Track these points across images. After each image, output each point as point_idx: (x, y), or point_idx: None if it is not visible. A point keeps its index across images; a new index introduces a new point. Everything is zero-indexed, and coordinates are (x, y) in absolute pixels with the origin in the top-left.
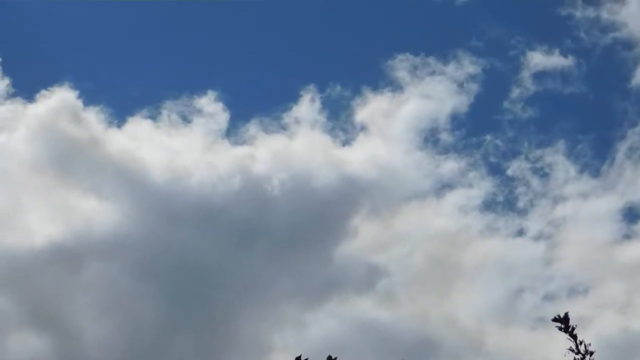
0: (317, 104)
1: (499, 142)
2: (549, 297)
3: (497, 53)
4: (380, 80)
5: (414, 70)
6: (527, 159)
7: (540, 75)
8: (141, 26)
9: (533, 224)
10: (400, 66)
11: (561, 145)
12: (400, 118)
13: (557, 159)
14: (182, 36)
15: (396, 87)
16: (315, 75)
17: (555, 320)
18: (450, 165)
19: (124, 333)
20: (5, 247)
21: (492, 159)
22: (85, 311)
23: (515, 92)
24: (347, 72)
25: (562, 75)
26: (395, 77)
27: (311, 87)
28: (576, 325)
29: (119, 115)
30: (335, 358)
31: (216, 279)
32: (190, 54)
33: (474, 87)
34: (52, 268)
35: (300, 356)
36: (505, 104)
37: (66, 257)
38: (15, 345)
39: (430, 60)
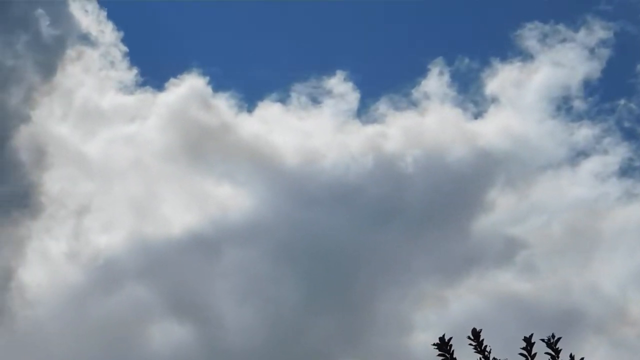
0: (446, 78)
1: (633, 105)
2: None
3: (627, 15)
4: (509, 50)
5: (543, 38)
6: None
7: None
8: (266, 8)
9: None
10: (530, 35)
11: None
12: (531, 87)
13: None
14: (308, 17)
15: (526, 56)
16: (442, 49)
17: None
18: (585, 133)
19: (265, 318)
20: (143, 237)
21: (627, 124)
22: (225, 298)
23: None
24: (474, 44)
25: None
26: (524, 46)
27: (439, 60)
28: None
29: (249, 99)
30: (480, 330)
31: (353, 259)
32: (316, 35)
33: (605, 52)
34: (190, 256)
35: (444, 335)
36: (639, 67)
37: (203, 245)
38: (159, 335)
39: (560, 27)
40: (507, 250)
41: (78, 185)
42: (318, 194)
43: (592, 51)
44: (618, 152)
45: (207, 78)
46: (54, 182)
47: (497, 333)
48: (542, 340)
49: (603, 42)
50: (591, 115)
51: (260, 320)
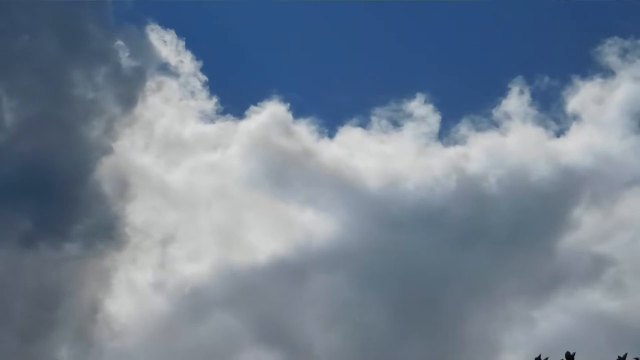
0: (527, 96)
1: None
2: None
3: None
4: (589, 67)
5: (624, 54)
6: None
7: None
8: (343, 35)
9: None
10: (610, 51)
11: None
12: (613, 103)
13: None
14: (385, 42)
15: (607, 72)
16: (522, 67)
17: None
18: None
19: (353, 342)
20: (229, 265)
21: None
22: (313, 323)
23: None
24: (554, 62)
25: None
26: (605, 62)
27: (519, 79)
28: None
29: (330, 125)
30: (574, 354)
31: (439, 281)
32: (395, 59)
33: None
34: (276, 283)
35: (539, 355)
36: None
37: (289, 271)
38: None
39: None
40: (594, 268)
41: (162, 215)
42: (402, 217)
43: None
44: None
45: (288, 105)
46: (138, 213)
47: (587, 353)
48: (637, 359)
49: None
50: None
51: (348, 344)
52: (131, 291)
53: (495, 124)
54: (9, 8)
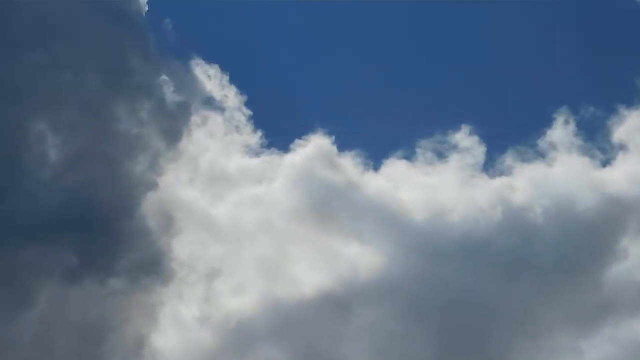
0: (572, 127)
1: None
2: None
3: None
4: (635, 96)
5: None
6: None
7: None
8: (386, 66)
9: None
10: None
11: None
12: None
13: None
14: (429, 73)
15: None
16: (566, 97)
17: None
18: None
19: None
20: (274, 299)
21: None
22: (359, 356)
23: None
24: (599, 91)
25: None
26: None
27: (564, 109)
28: None
29: (374, 158)
30: None
31: (486, 312)
32: (439, 90)
33: None
34: (322, 316)
35: None
36: None
37: (335, 304)
38: None
39: None
40: None
41: (208, 249)
42: (447, 249)
43: None
44: None
45: (333, 138)
46: (183, 247)
47: None
48: None
49: None
50: None
51: None
52: (177, 326)
53: (540, 155)
54: (51, 44)
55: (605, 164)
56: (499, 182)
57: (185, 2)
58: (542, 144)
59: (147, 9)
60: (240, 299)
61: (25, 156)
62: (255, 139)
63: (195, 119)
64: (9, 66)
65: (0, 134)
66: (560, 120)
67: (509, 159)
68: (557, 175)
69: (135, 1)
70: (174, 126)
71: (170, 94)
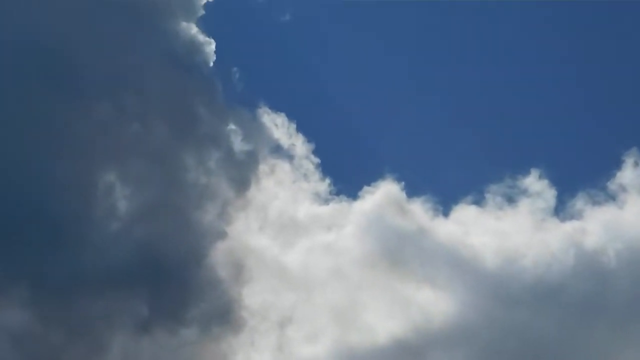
0: None
1: None
2: None
3: None
4: None
5: None
6: None
7: None
8: (452, 111)
9: None
10: None
11: None
12: None
13: None
14: (496, 117)
15: None
16: (635, 139)
17: None
18: None
19: None
20: (347, 346)
21: None
22: None
23: None
24: None
25: None
26: None
27: (633, 151)
28: None
29: (444, 203)
30: None
31: (560, 357)
32: (507, 135)
33: None
34: None
35: None
36: None
37: (408, 351)
38: None
39: None
40: None
41: (279, 296)
42: (520, 294)
43: None
44: None
45: (402, 184)
46: (254, 296)
47: None
48: None
49: None
50: None
51: None
52: None
53: (611, 197)
54: (118, 95)
55: None
56: (570, 226)
57: (251, 50)
58: (612, 186)
59: (214, 58)
60: (313, 347)
61: (94, 208)
62: (323, 186)
63: (263, 167)
64: (76, 118)
65: (69, 186)
66: (629, 161)
67: (579, 202)
68: (628, 217)
69: (202, 51)
70: (242, 175)
71: (238, 143)
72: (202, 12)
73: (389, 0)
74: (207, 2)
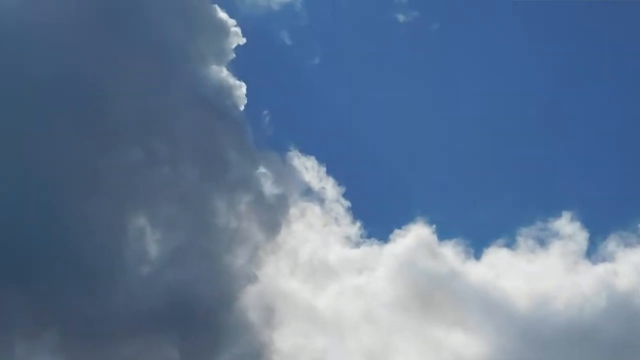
0: None
1: None
2: None
3: None
4: None
5: None
6: None
7: None
8: (483, 154)
9: None
10: None
11: None
12: None
13: None
14: (526, 159)
15: None
16: None
17: None
18: None
19: None
20: None
21: None
22: None
23: None
24: None
25: None
26: None
27: None
28: None
29: (475, 246)
30: None
31: None
32: (538, 178)
33: None
34: None
35: None
36: None
37: None
38: None
39: None
40: None
41: (310, 340)
42: (552, 337)
43: None
44: None
45: (433, 227)
46: (285, 339)
47: None
48: None
49: None
50: None
51: None
52: None
53: None
54: (148, 139)
55: None
56: (602, 268)
57: (281, 93)
58: None
59: (245, 101)
60: None
61: (125, 252)
62: (354, 229)
63: (293, 210)
64: (107, 163)
65: (100, 230)
66: None
67: (611, 244)
68: None
69: (233, 94)
70: (272, 218)
71: (268, 186)
72: (232, 55)
73: (417, 43)
74: (238, 45)
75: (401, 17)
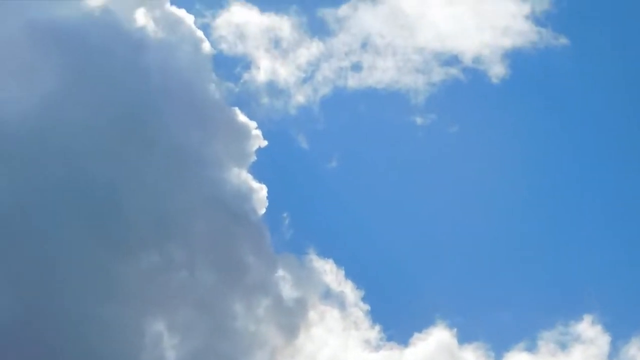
0: None
1: None
2: None
3: None
4: None
5: None
6: None
7: None
8: (504, 253)
9: None
10: None
11: None
12: None
13: None
14: (547, 260)
15: None
16: None
17: None
18: None
19: None
20: None
21: None
22: None
23: None
24: None
25: None
26: None
27: None
28: None
29: (496, 349)
30: None
31: None
32: (559, 279)
33: None
34: None
35: None
36: None
37: None
38: None
39: None
40: None
41: None
42: None
43: None
44: None
45: (454, 330)
46: None
47: None
48: None
49: None
50: None
51: None
52: None
53: None
54: (165, 243)
55: None
56: None
57: (300, 196)
58: None
59: (267, 204)
60: None
61: (142, 358)
62: (373, 333)
63: (312, 314)
64: (124, 267)
65: (117, 336)
66: None
67: (633, 347)
68: None
69: (253, 197)
70: (291, 322)
71: (287, 290)
72: (254, 158)
73: (434, 145)
74: (259, 147)
75: (419, 120)
